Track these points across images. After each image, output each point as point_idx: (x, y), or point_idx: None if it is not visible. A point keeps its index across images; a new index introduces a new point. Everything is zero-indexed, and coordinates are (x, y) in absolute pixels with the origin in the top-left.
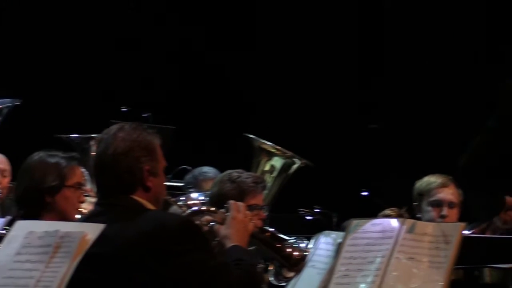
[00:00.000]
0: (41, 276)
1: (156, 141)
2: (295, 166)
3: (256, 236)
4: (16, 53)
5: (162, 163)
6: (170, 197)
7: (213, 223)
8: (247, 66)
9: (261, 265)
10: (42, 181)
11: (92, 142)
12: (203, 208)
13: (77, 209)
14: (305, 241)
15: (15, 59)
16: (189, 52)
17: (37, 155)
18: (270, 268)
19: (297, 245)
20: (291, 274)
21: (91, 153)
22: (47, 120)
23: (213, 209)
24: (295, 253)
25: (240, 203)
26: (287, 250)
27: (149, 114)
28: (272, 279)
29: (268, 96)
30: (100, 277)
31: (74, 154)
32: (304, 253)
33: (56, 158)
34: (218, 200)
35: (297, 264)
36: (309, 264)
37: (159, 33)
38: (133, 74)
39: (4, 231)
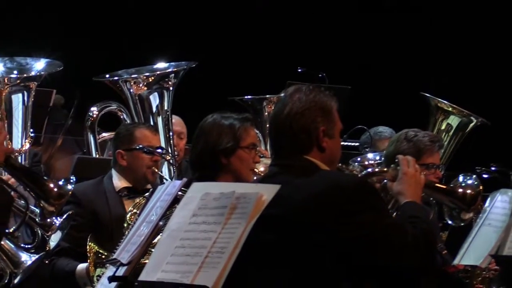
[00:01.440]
0: (217, 237)
1: (333, 103)
2: (471, 125)
3: (428, 185)
4: (192, 15)
5: (338, 126)
6: (340, 164)
7: (385, 180)
8: (422, 25)
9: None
10: (217, 143)
11: (265, 103)
12: (376, 170)
13: (252, 169)
14: (471, 176)
15: (191, 22)
16: (366, 12)
17: (211, 118)
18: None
19: (465, 183)
20: (469, 215)
21: (264, 114)
22: (221, 82)
23: (385, 169)
24: (468, 191)
25: (409, 157)
26: (459, 190)
27: (324, 74)
28: (450, 222)
29: (445, 54)
30: (275, 238)
31: (247, 115)
32: (477, 189)
33: (230, 119)
34: (394, 159)
35: (473, 202)
36: (486, 222)
37: None
38: (307, 34)
39: (181, 193)
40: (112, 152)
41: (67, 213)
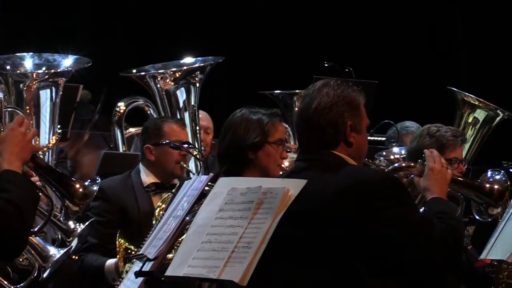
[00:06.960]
0: (243, 233)
1: (361, 99)
2: (498, 118)
3: (454, 180)
4: (219, 10)
5: (366, 121)
6: (366, 159)
7: (412, 175)
8: (448, 20)
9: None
10: (245, 138)
11: (295, 98)
12: (403, 164)
13: (279, 165)
14: (500, 171)
15: (219, 16)
16: (391, 6)
17: (239, 112)
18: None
19: (493, 178)
20: (496, 211)
21: (294, 109)
22: (250, 76)
23: (412, 164)
24: (496, 187)
25: (436, 153)
26: (487, 186)
27: (350, 68)
28: (478, 217)
29: (472, 49)
30: (302, 233)
31: (276, 110)
32: (505, 184)
33: (259, 114)
34: (416, 154)
35: (501, 197)
36: None
37: None
38: (334, 30)
39: (207, 188)
40: (140, 147)
41: (89, 221)
